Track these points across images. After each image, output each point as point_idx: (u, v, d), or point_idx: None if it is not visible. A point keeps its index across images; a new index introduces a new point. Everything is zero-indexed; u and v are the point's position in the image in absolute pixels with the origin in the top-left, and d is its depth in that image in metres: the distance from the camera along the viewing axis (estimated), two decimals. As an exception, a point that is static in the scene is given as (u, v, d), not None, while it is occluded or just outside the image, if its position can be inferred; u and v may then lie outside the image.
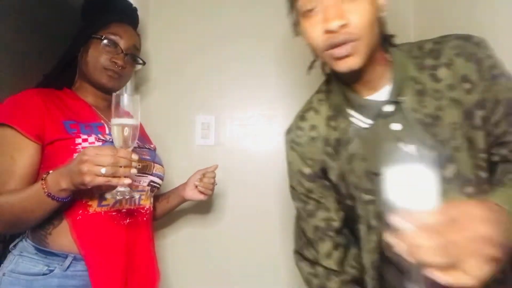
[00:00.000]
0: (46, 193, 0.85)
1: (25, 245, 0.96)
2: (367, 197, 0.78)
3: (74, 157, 0.90)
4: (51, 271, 0.92)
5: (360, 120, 0.79)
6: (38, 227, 0.96)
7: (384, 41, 0.79)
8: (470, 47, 0.72)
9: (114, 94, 0.90)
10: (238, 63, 1.55)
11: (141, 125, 1.31)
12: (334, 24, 0.66)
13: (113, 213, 0.99)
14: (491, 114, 0.71)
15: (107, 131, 1.03)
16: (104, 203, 0.97)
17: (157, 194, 1.20)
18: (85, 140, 0.96)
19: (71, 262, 0.93)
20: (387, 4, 0.74)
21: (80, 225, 0.94)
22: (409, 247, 0.46)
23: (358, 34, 0.68)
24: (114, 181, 0.83)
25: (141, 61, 1.18)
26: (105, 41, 1.07)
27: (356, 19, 0.67)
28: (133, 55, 1.13)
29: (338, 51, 0.69)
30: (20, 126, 0.93)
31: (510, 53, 0.94)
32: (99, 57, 1.06)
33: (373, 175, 0.75)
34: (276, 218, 1.50)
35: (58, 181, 0.85)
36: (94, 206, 0.96)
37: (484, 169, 0.72)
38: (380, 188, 0.59)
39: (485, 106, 0.70)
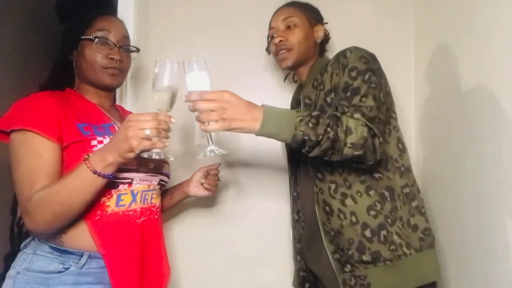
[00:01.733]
0: (92, 171, 0.86)
1: (38, 244, 0.97)
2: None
3: None
4: (67, 268, 0.93)
5: (296, 106, 1.28)
6: None
7: (321, 55, 1.25)
8: (341, 52, 1.07)
9: (157, 60, 0.95)
10: (238, 63, 1.56)
11: None
12: (277, 40, 1.18)
13: (130, 212, 1.01)
14: (338, 94, 1.02)
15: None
16: (121, 203, 0.99)
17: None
18: (100, 142, 0.96)
19: (86, 260, 0.95)
20: (323, 36, 1.23)
21: (100, 225, 0.96)
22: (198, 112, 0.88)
23: (291, 46, 1.16)
24: (159, 144, 0.86)
25: (135, 49, 1.16)
26: (96, 40, 1.05)
27: (290, 38, 1.16)
28: (127, 46, 1.12)
29: (280, 56, 1.19)
30: (42, 130, 0.92)
31: (510, 51, 0.94)
32: (95, 57, 1.05)
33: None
34: (277, 217, 1.51)
35: (103, 157, 0.87)
36: (112, 206, 0.98)
37: None
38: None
39: (336, 92, 1.03)
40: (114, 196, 0.98)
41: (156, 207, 1.10)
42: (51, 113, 0.95)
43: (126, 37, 1.12)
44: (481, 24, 1.06)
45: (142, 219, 1.03)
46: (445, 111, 1.26)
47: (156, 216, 1.09)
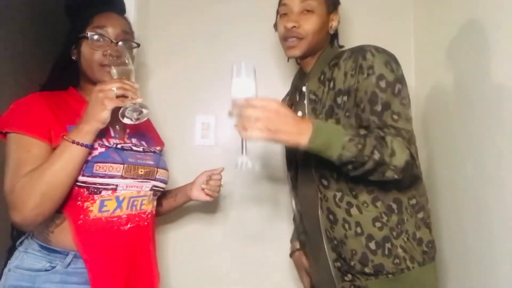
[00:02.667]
0: (71, 141, 0.90)
1: (30, 242, 0.99)
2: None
3: None
4: (53, 267, 0.94)
5: (296, 95, 1.18)
6: (43, 225, 0.98)
7: (330, 44, 1.14)
8: (359, 51, 0.97)
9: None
10: (238, 63, 1.55)
11: (150, 123, 1.31)
12: (289, 24, 1.05)
13: (114, 219, 1.00)
14: (357, 101, 0.95)
15: (112, 134, 1.04)
16: (104, 209, 0.98)
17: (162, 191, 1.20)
18: None
19: (71, 260, 0.95)
20: (337, 26, 1.12)
21: (81, 229, 0.96)
22: (239, 121, 0.83)
23: (303, 35, 1.05)
24: (127, 100, 0.93)
25: (135, 44, 1.13)
26: (91, 37, 1.04)
27: (305, 25, 1.05)
28: (125, 41, 1.09)
29: (289, 42, 1.08)
30: (31, 132, 0.94)
31: (510, 49, 0.94)
32: (92, 55, 1.04)
33: None
34: (277, 218, 1.51)
35: (80, 128, 0.91)
36: (95, 212, 0.97)
37: None
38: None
39: (350, 94, 0.96)
40: (97, 202, 0.97)
41: (147, 213, 1.08)
42: (41, 116, 0.96)
43: (126, 32, 1.10)
44: (481, 23, 1.06)
45: (128, 226, 1.02)
46: (446, 111, 1.26)
47: (146, 223, 1.07)
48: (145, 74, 1.56)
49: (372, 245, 0.96)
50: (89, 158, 0.95)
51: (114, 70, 0.98)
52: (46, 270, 0.94)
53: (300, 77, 1.18)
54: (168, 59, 1.57)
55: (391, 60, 0.95)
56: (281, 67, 1.54)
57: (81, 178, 0.94)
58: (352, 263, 0.97)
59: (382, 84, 0.92)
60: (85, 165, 0.94)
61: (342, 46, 1.14)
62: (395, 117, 0.91)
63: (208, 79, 1.56)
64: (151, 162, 1.09)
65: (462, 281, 1.14)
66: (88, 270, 0.95)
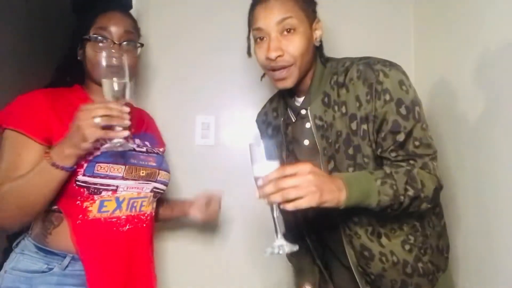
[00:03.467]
0: (50, 163, 0.86)
1: (27, 243, 0.98)
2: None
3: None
4: (51, 269, 0.94)
5: (291, 116, 1.05)
6: (40, 227, 0.98)
7: (319, 58, 1.01)
8: (370, 72, 0.89)
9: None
10: (238, 63, 1.55)
11: (154, 124, 1.30)
12: (272, 55, 0.91)
13: (113, 220, 0.99)
14: (376, 129, 0.89)
15: None
16: (104, 209, 0.98)
17: (161, 198, 1.19)
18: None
19: (69, 262, 0.95)
20: (322, 34, 0.98)
21: (80, 229, 0.95)
22: (265, 195, 0.77)
23: (291, 62, 0.92)
24: (111, 133, 0.86)
25: (138, 44, 1.12)
26: (94, 39, 1.04)
27: (290, 50, 0.91)
28: (129, 41, 1.07)
29: (276, 74, 0.94)
30: (27, 131, 0.93)
31: (510, 48, 0.94)
32: (95, 56, 1.03)
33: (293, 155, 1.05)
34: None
35: (61, 149, 0.87)
36: (94, 212, 0.97)
37: (359, 167, 0.92)
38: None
39: (369, 121, 0.89)
40: (97, 202, 0.97)
41: (146, 215, 1.07)
42: (40, 113, 0.96)
43: (129, 32, 1.08)
44: (481, 22, 1.06)
45: (127, 227, 1.01)
46: (446, 111, 1.25)
47: (145, 225, 1.07)
48: (145, 74, 1.56)
49: (409, 270, 0.94)
50: (91, 158, 0.94)
51: (106, 82, 0.90)
52: (42, 272, 0.94)
53: (290, 93, 1.04)
54: (168, 59, 1.57)
55: (403, 77, 0.90)
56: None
57: (81, 178, 0.93)
58: None
59: (403, 110, 0.87)
60: (86, 164, 0.94)
61: (328, 58, 1.02)
62: (417, 143, 0.88)
63: (208, 79, 1.56)
64: (154, 164, 1.08)
65: (468, 280, 1.14)
66: (86, 271, 0.94)
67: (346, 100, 0.92)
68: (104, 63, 0.89)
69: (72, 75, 1.11)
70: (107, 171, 0.96)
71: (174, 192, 1.45)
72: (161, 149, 1.17)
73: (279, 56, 0.91)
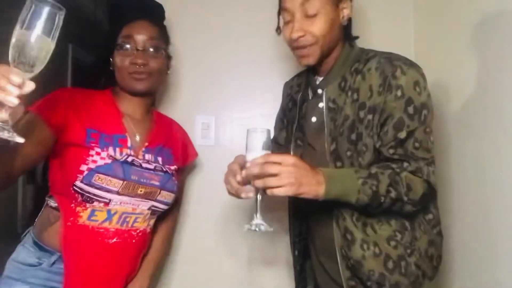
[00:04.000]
0: None
1: (28, 236, 1.03)
2: (298, 142, 1.09)
3: (81, 168, 0.95)
4: (40, 264, 0.98)
5: (309, 93, 1.09)
6: (40, 222, 1.03)
7: (346, 40, 1.03)
8: (388, 66, 0.91)
9: None
10: (238, 63, 1.55)
11: (179, 137, 1.28)
12: (294, 35, 0.95)
13: (101, 230, 1.00)
14: (381, 122, 0.91)
15: (128, 144, 1.05)
16: (93, 218, 0.99)
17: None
18: (98, 154, 0.98)
19: (56, 260, 0.98)
20: (350, 14, 1.00)
21: (68, 231, 0.97)
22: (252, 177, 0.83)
23: (313, 41, 0.95)
24: None
25: (161, 49, 1.11)
26: (119, 47, 1.07)
27: (313, 30, 0.94)
28: (154, 47, 1.09)
29: (299, 52, 0.98)
30: (41, 112, 0.95)
31: (511, 47, 0.94)
32: (121, 64, 1.06)
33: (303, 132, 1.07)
34: (278, 219, 1.50)
35: None
36: (84, 218, 0.98)
37: (364, 159, 0.93)
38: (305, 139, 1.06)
39: (376, 113, 0.91)
40: (88, 210, 0.98)
41: (138, 231, 1.06)
42: (61, 104, 0.99)
43: (153, 38, 1.09)
44: (482, 22, 1.06)
45: (115, 240, 1.01)
46: (446, 110, 1.25)
47: (134, 240, 1.06)
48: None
49: (390, 265, 0.93)
50: (93, 167, 0.96)
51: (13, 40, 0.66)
52: (34, 266, 0.97)
53: (313, 72, 1.08)
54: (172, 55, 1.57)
55: (420, 79, 0.90)
56: (286, 73, 1.54)
57: (78, 184, 0.95)
58: (368, 283, 0.94)
59: (410, 110, 0.89)
60: (87, 172, 0.95)
61: (357, 37, 1.06)
62: (417, 145, 0.89)
63: (208, 79, 1.56)
64: (156, 183, 1.07)
65: (464, 282, 1.14)
66: (64, 271, 0.97)
67: (359, 87, 0.95)
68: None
69: (102, 83, 1.14)
70: (103, 183, 0.97)
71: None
72: (173, 167, 1.15)
73: (300, 36, 0.95)
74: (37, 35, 0.67)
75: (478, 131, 1.07)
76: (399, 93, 0.89)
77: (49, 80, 1.13)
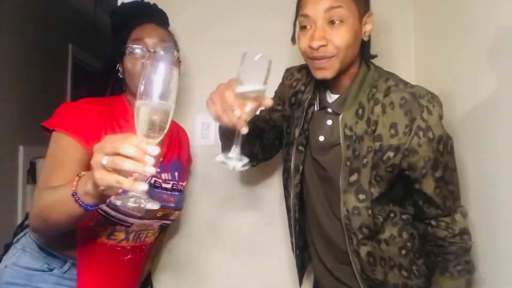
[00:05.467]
0: (72, 192, 0.72)
1: (29, 241, 1.00)
2: (300, 148, 1.05)
3: None
4: (51, 269, 0.96)
5: (316, 103, 1.05)
6: None
7: (364, 59, 0.99)
8: (415, 107, 0.88)
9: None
10: (238, 63, 1.55)
11: (186, 144, 1.28)
12: (315, 44, 0.87)
13: (118, 248, 1.00)
14: (407, 161, 0.90)
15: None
16: (112, 237, 0.99)
17: None
18: None
19: (69, 267, 0.98)
20: (371, 30, 0.96)
21: (84, 248, 0.96)
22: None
23: (334, 53, 0.88)
24: (125, 184, 0.63)
25: (174, 51, 1.10)
26: (130, 50, 1.04)
27: (336, 41, 0.87)
28: (165, 49, 1.07)
29: (317, 63, 0.91)
30: (74, 133, 0.92)
31: (510, 49, 0.94)
32: (133, 67, 1.03)
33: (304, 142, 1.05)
34: (278, 218, 1.50)
35: (86, 181, 0.71)
36: (103, 237, 0.98)
37: (377, 189, 0.93)
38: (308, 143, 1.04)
39: (399, 152, 0.89)
40: (109, 230, 0.98)
41: (147, 244, 1.09)
42: (88, 120, 0.95)
43: (164, 40, 1.08)
44: (482, 22, 1.06)
45: (129, 256, 1.03)
46: (445, 110, 1.25)
47: (143, 254, 1.08)
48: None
49: (404, 272, 0.97)
50: (120, 191, 0.90)
51: (142, 107, 0.66)
52: (43, 271, 0.96)
53: (324, 84, 1.02)
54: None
55: (441, 112, 0.91)
56: (283, 64, 1.53)
57: (103, 207, 0.91)
58: None
59: (441, 147, 0.91)
60: (114, 196, 0.89)
61: (375, 56, 1.03)
62: (454, 173, 0.95)
63: (208, 79, 1.56)
64: (172, 205, 1.08)
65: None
66: (77, 282, 0.96)
67: (377, 120, 0.91)
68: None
69: (111, 90, 1.13)
70: (129, 209, 0.94)
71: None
72: (184, 183, 1.16)
73: (322, 45, 0.87)
74: (172, 103, 0.68)
75: (478, 132, 1.07)
76: (430, 135, 0.88)
77: (49, 80, 1.13)
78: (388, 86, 0.93)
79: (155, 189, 1.02)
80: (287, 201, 1.15)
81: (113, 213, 0.94)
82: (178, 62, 1.15)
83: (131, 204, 0.66)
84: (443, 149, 0.91)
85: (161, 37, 1.07)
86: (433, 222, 0.97)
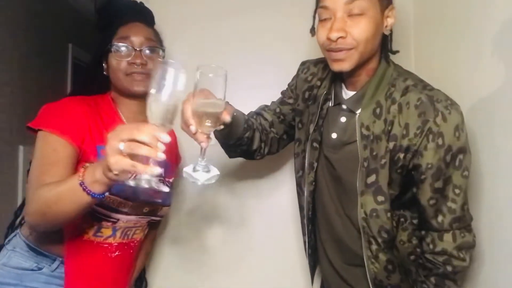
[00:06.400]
0: (79, 182, 0.77)
1: (19, 241, 1.01)
2: (315, 144, 1.03)
3: None
4: (40, 268, 0.98)
5: (331, 98, 1.03)
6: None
7: (383, 55, 0.97)
8: (429, 110, 0.86)
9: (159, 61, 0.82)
10: (238, 63, 1.55)
11: (175, 143, 1.27)
12: (334, 35, 0.86)
13: (105, 245, 1.01)
14: (413, 162, 0.88)
15: None
16: (99, 234, 0.99)
17: None
18: None
19: (58, 265, 0.99)
20: (393, 23, 0.92)
21: (71, 246, 0.97)
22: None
23: (353, 45, 0.86)
24: (139, 167, 0.69)
25: (160, 51, 1.10)
26: (115, 48, 1.04)
27: (355, 33, 0.85)
28: (151, 48, 1.07)
29: (334, 55, 0.89)
30: (61, 131, 0.93)
31: (510, 48, 0.94)
32: (118, 65, 1.04)
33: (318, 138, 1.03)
34: (278, 218, 1.50)
35: (94, 170, 0.77)
36: (89, 234, 0.98)
37: (395, 190, 0.92)
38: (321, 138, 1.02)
39: (409, 153, 0.88)
40: (95, 227, 0.98)
41: (135, 241, 1.08)
42: (74, 118, 0.96)
43: (150, 39, 1.09)
44: (482, 22, 1.06)
45: (116, 253, 1.02)
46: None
47: (131, 251, 1.08)
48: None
49: (413, 276, 0.97)
50: None
51: (155, 99, 0.74)
52: (32, 270, 0.97)
53: (341, 79, 1.00)
54: (168, 59, 1.57)
55: (460, 122, 0.86)
56: (286, 73, 1.53)
57: None
58: None
59: (448, 158, 0.87)
60: None
61: (397, 51, 1.00)
62: (457, 191, 0.88)
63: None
64: (159, 200, 1.07)
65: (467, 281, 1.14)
66: (65, 281, 0.97)
67: (393, 120, 0.89)
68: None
69: (94, 89, 1.11)
70: (114, 205, 0.96)
71: (175, 192, 1.45)
72: (171, 180, 1.15)
73: (340, 37, 0.86)
74: (182, 95, 0.77)
75: (478, 132, 1.07)
76: (440, 141, 0.85)
77: (49, 80, 1.14)
78: (406, 86, 0.91)
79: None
80: (300, 199, 1.13)
81: (99, 209, 0.94)
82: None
83: (144, 185, 0.73)
84: (450, 161, 0.87)
85: (147, 36, 1.08)
86: (423, 232, 0.94)
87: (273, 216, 1.50)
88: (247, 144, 1.07)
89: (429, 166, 0.87)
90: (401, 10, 1.54)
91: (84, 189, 0.77)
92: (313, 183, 1.05)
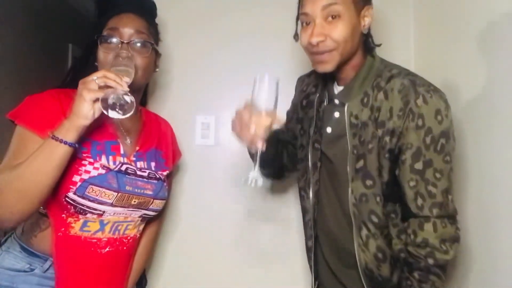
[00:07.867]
0: (51, 136, 0.85)
1: (12, 242, 1.00)
2: (316, 145, 1.07)
3: (74, 179, 0.92)
4: (32, 269, 0.96)
5: (325, 98, 1.08)
6: (27, 228, 1.00)
7: (367, 50, 1.03)
8: (411, 92, 0.90)
9: None
10: (238, 63, 1.55)
11: (169, 135, 1.26)
12: (314, 40, 0.93)
13: (93, 240, 0.98)
14: (398, 145, 0.91)
15: (121, 151, 1.02)
16: (86, 229, 0.97)
17: None
18: (91, 164, 0.95)
19: (50, 265, 0.96)
20: (370, 22, 0.99)
21: (59, 241, 0.95)
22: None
23: (333, 46, 0.93)
24: (109, 89, 0.85)
25: (148, 44, 1.04)
26: (103, 39, 1.01)
27: (334, 35, 0.92)
28: (141, 42, 1.02)
29: (317, 57, 0.96)
30: (34, 127, 0.92)
31: (509, 48, 0.94)
32: (104, 58, 1.01)
33: (318, 137, 1.07)
34: (278, 218, 1.50)
35: (62, 124, 0.86)
36: (76, 229, 0.96)
37: (383, 175, 0.94)
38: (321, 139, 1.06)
39: (394, 136, 0.91)
40: (81, 221, 0.96)
41: (128, 238, 1.05)
42: (48, 112, 0.95)
43: (140, 32, 1.03)
44: (481, 22, 1.06)
45: (107, 249, 1.00)
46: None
47: (125, 248, 1.05)
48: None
49: (405, 269, 0.95)
50: (86, 177, 0.93)
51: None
52: (24, 271, 0.95)
53: (331, 78, 1.06)
54: (168, 59, 1.57)
55: (441, 107, 0.89)
56: (285, 73, 1.53)
57: (71, 196, 0.92)
58: None
59: (428, 140, 0.88)
60: (80, 183, 0.92)
61: (379, 45, 1.05)
62: (438, 175, 0.89)
63: (208, 79, 1.56)
64: (150, 193, 1.05)
65: (463, 282, 1.14)
66: (55, 280, 0.95)
67: (381, 106, 0.94)
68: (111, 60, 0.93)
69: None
70: (97, 195, 0.94)
71: (174, 192, 1.45)
72: (164, 173, 1.12)
73: (321, 41, 0.93)
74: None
75: (478, 132, 1.07)
76: (420, 122, 0.88)
77: (49, 80, 1.14)
78: (391, 75, 0.96)
79: (126, 175, 0.99)
80: (303, 203, 1.13)
81: (80, 200, 0.92)
82: (155, 55, 1.11)
83: (113, 100, 0.86)
84: (430, 143, 0.89)
85: (138, 28, 1.03)
86: (406, 224, 0.94)
87: (277, 219, 1.50)
88: (280, 157, 1.19)
89: (409, 146, 0.90)
90: (401, 10, 1.54)
91: (57, 139, 0.84)
92: (318, 182, 1.08)
